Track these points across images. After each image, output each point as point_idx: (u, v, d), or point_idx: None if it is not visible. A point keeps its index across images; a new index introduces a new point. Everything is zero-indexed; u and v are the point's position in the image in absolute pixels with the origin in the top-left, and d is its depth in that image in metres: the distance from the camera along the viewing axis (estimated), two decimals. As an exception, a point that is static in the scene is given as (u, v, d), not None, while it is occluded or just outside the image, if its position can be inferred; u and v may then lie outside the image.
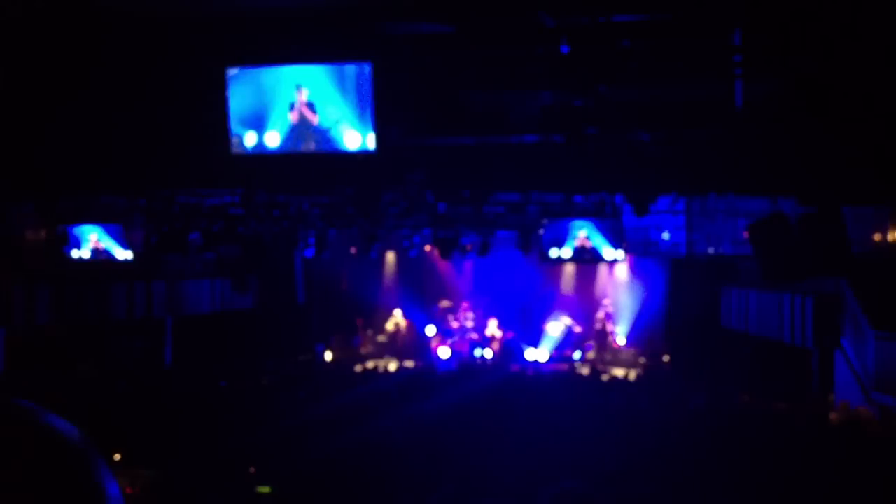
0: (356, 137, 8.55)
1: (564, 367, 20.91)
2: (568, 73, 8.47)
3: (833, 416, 12.71)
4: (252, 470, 10.30)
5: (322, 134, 8.66)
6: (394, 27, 8.44)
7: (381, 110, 8.49)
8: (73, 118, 9.43)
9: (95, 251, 17.96)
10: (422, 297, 24.76)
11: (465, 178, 10.77)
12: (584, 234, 17.24)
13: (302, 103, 8.65)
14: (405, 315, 24.67)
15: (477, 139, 9.68)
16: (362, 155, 8.71)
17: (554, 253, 17.60)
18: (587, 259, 18.56)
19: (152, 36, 8.54)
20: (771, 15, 7.86)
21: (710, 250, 20.07)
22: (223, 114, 8.74)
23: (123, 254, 18.24)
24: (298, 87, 8.60)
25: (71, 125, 9.52)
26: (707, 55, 8.79)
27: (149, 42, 8.63)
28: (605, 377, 18.65)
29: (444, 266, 23.80)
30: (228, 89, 8.69)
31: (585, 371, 19.73)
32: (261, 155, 8.90)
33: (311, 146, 8.73)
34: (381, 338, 24.53)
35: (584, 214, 16.87)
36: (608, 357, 22.54)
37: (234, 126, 8.78)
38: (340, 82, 8.50)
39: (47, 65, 8.71)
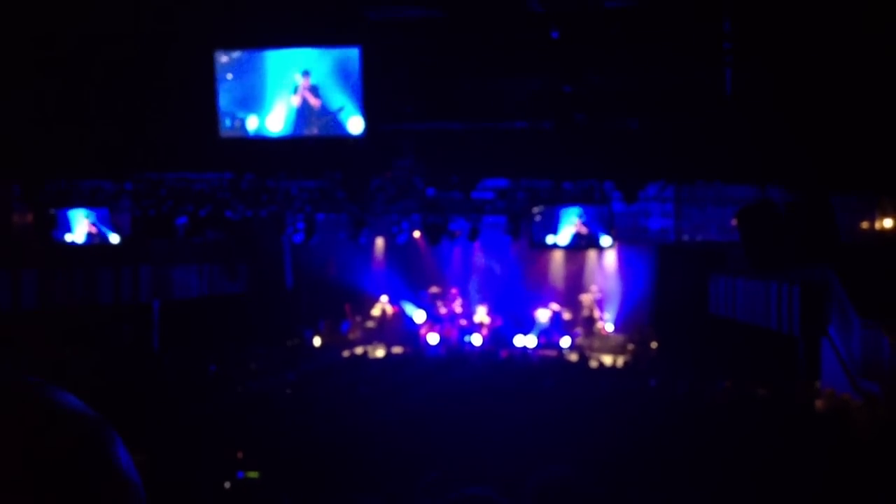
0: (359, 122, 8.52)
1: (553, 353, 20.96)
2: (557, 60, 8.46)
3: (819, 402, 12.79)
4: (240, 455, 10.30)
5: (325, 119, 8.63)
6: (383, 12, 8.40)
7: (369, 95, 8.45)
8: (61, 101, 9.36)
9: (89, 235, 17.86)
10: (411, 282, 24.75)
11: (454, 163, 10.76)
12: (580, 220, 17.27)
13: (305, 87, 8.61)
14: (394, 301, 24.66)
15: (466, 125, 9.66)
16: (351, 140, 8.69)
17: (550, 239, 17.64)
18: (584, 246, 18.59)
19: (142, 19, 8.48)
20: (760, 3, 7.85)
21: (699, 237, 20.12)
22: (212, 97, 8.69)
23: (117, 238, 18.16)
24: (302, 72, 8.55)
25: (58, 108, 9.44)
26: (696, 43, 8.78)
27: (138, 25, 8.56)
28: (593, 363, 18.72)
29: (433, 252, 23.79)
30: (221, 73, 8.64)
31: (574, 357, 19.78)
32: (248, 139, 8.86)
33: (314, 131, 8.71)
34: (370, 323, 24.52)
35: (573, 201, 16.88)
36: (596, 343, 22.60)
37: (236, 110, 8.74)
38: (344, 67, 8.46)
39: (32, 47, 8.63)
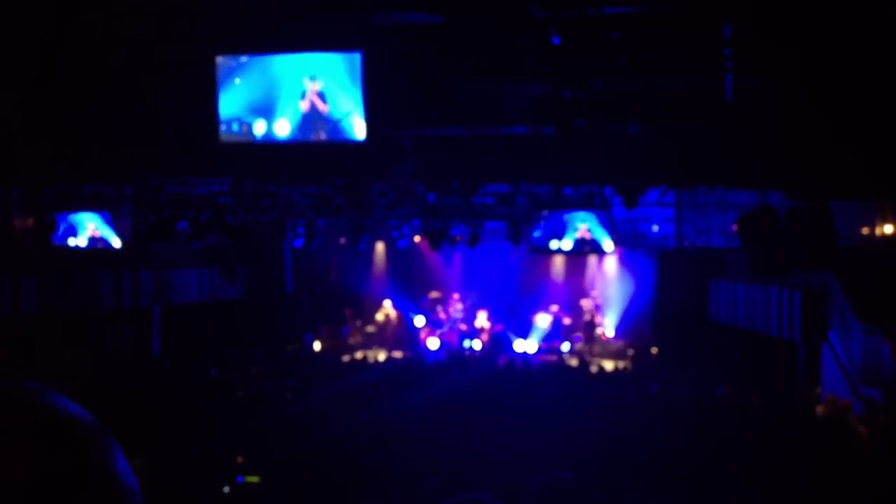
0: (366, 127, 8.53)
1: (553, 358, 20.95)
2: (558, 65, 8.46)
3: (819, 408, 12.77)
4: (240, 459, 10.29)
5: (332, 124, 8.62)
6: (385, 17, 8.41)
7: (371, 100, 8.46)
8: (59, 105, 9.37)
9: (92, 239, 17.85)
10: (411, 287, 24.76)
11: (455, 168, 10.76)
12: (585, 226, 17.29)
13: (313, 92, 8.60)
14: (394, 306, 24.67)
15: (467, 130, 9.67)
16: (358, 145, 8.69)
17: (554, 244, 17.67)
18: (587, 251, 18.62)
19: (142, 22, 8.49)
20: (761, 9, 7.86)
21: (699, 243, 20.12)
22: (212, 102, 8.69)
23: (120, 242, 18.15)
24: (311, 77, 8.55)
25: (57, 113, 9.45)
26: (697, 48, 8.79)
27: (138, 28, 8.58)
28: (593, 369, 18.71)
29: (433, 257, 23.80)
30: (230, 77, 8.64)
31: (574, 362, 19.77)
32: (255, 143, 8.85)
33: (321, 136, 8.70)
34: (370, 328, 24.52)
35: (573, 206, 16.91)
36: (596, 349, 22.60)
37: (244, 114, 8.74)
38: (353, 72, 8.45)
39: (33, 51, 8.64)
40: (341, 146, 8.78)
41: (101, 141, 9.84)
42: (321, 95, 8.59)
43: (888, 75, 7.54)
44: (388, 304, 24.66)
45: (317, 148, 8.90)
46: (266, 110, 8.73)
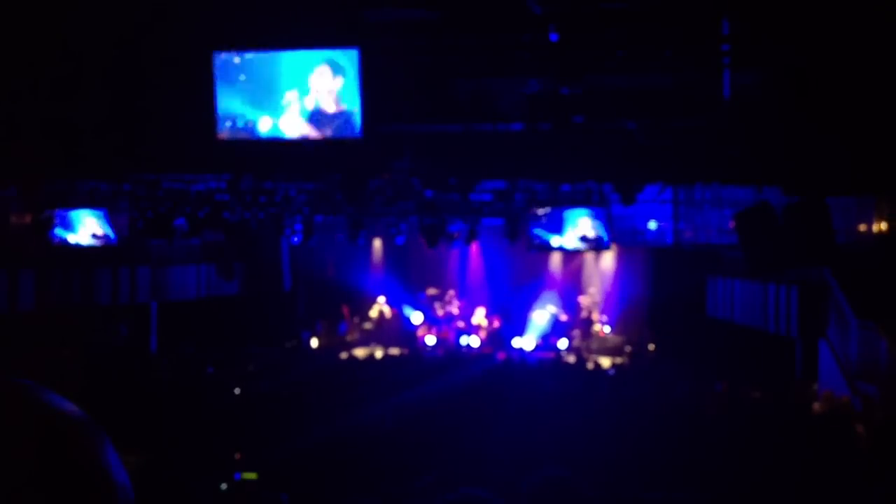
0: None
1: (550, 355, 20.96)
2: (555, 61, 8.46)
3: (816, 404, 12.79)
4: (237, 456, 10.29)
5: (338, 120, 8.60)
6: (381, 13, 8.40)
7: (367, 97, 8.45)
8: (57, 100, 9.35)
9: (93, 236, 17.82)
10: (408, 284, 24.76)
11: (452, 165, 10.77)
12: (587, 222, 17.26)
13: (320, 89, 8.58)
14: (391, 303, 24.67)
15: (464, 126, 9.66)
16: (349, 141, 8.67)
17: (555, 241, 17.64)
18: (588, 248, 18.58)
19: (139, 18, 8.47)
20: (758, 4, 7.87)
21: (697, 239, 20.12)
22: (210, 98, 8.67)
23: (116, 238, 18.11)
24: (317, 73, 8.52)
25: (54, 109, 9.43)
26: (695, 44, 8.80)
27: (135, 23, 8.56)
28: (590, 365, 18.71)
29: (431, 254, 23.79)
30: (234, 74, 8.61)
31: (571, 359, 19.78)
32: (246, 140, 8.83)
33: (327, 132, 8.68)
34: (368, 325, 24.52)
35: (571, 203, 16.88)
36: (594, 345, 22.60)
37: (248, 111, 8.71)
38: (356, 67, 8.42)
39: (29, 47, 8.62)
40: (339, 143, 8.77)
41: (99, 137, 9.82)
42: (328, 92, 8.57)
43: (885, 71, 7.54)
44: (381, 300, 24.65)
45: (314, 144, 8.89)
46: (271, 107, 8.70)
